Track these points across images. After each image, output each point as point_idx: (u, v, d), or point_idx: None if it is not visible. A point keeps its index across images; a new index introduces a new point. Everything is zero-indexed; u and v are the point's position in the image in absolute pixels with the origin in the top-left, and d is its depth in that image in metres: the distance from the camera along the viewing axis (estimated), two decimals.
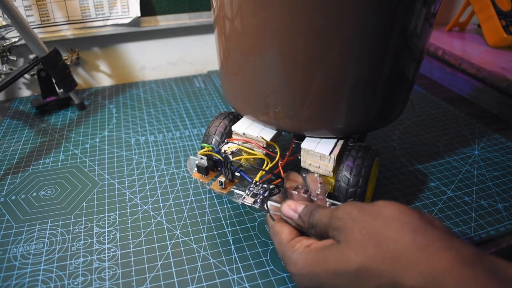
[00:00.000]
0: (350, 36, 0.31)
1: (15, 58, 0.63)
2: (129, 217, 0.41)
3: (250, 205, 0.35)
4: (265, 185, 0.36)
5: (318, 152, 0.37)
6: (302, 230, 0.32)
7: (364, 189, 0.36)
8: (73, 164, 0.50)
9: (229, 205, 0.43)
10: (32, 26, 0.58)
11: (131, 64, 0.73)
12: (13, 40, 0.61)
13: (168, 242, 0.38)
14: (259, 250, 0.37)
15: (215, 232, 0.39)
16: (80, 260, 0.36)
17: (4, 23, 0.56)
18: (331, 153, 0.37)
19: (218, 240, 0.38)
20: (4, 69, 0.62)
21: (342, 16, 0.30)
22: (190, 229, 0.39)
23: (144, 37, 0.71)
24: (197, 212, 0.42)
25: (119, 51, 0.71)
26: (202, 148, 0.39)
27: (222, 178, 0.37)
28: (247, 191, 0.36)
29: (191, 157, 0.40)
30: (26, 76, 0.67)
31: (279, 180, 0.36)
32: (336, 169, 0.38)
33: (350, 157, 0.37)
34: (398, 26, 0.32)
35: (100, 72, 0.72)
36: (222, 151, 0.39)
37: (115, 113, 0.62)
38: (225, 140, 0.41)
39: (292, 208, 0.32)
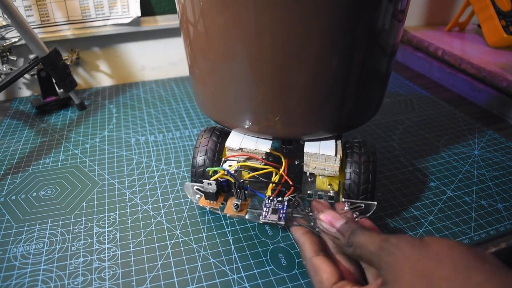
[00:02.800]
0: (322, 31, 0.30)
1: (15, 58, 0.63)
2: (129, 217, 0.41)
3: (275, 222, 0.34)
4: (279, 198, 0.36)
5: (323, 154, 0.37)
6: (337, 244, 0.30)
7: (374, 185, 0.36)
8: (73, 164, 0.50)
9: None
10: (32, 26, 0.58)
11: (131, 64, 0.73)
12: (13, 40, 0.61)
13: (168, 242, 0.38)
14: (259, 250, 0.37)
15: (215, 232, 0.39)
16: (80, 260, 0.36)
17: (4, 23, 0.56)
18: (336, 153, 0.37)
19: (218, 240, 0.38)
20: (4, 69, 0.62)
21: (311, 10, 0.29)
22: (190, 229, 0.39)
23: (144, 37, 0.71)
24: (197, 212, 0.42)
25: (119, 51, 0.71)
26: (210, 172, 0.37)
27: (236, 201, 0.36)
28: (265, 208, 0.35)
29: (187, 183, 0.39)
30: (26, 76, 0.67)
31: (292, 189, 0.36)
32: (341, 169, 0.37)
33: (354, 154, 0.37)
34: (368, 21, 0.31)
35: (100, 72, 0.72)
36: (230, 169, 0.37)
37: (115, 113, 0.62)
38: (223, 159, 0.39)
39: (333, 219, 0.31)
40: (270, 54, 0.31)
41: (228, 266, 0.36)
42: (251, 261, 0.36)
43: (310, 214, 0.35)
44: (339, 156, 0.37)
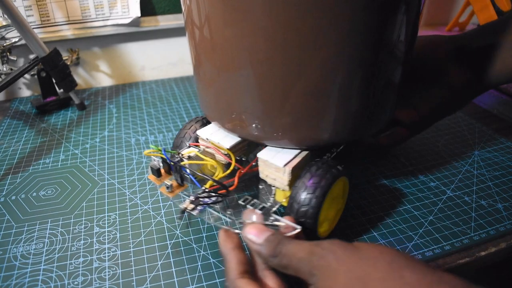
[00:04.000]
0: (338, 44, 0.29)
1: (15, 58, 0.63)
2: (129, 217, 0.41)
3: (189, 211, 0.34)
4: (213, 194, 0.35)
5: (273, 164, 0.35)
6: (262, 257, 0.29)
7: (317, 210, 0.33)
8: (73, 164, 0.50)
9: (229, 205, 0.43)
10: (32, 26, 0.58)
11: (131, 64, 0.73)
12: (13, 40, 0.61)
13: (168, 242, 0.38)
14: None
15: (215, 232, 0.39)
16: (80, 260, 0.36)
17: (4, 23, 0.56)
18: (286, 165, 0.34)
19: (218, 240, 0.38)
20: (4, 69, 0.62)
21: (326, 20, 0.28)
22: (190, 229, 0.39)
23: (144, 37, 0.71)
24: None
25: (119, 51, 0.71)
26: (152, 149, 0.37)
27: (169, 182, 0.36)
28: (191, 197, 0.35)
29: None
30: (26, 76, 0.67)
31: (224, 190, 0.34)
32: (292, 184, 0.35)
33: (307, 173, 0.34)
34: (383, 35, 0.31)
35: (100, 72, 0.72)
36: (181, 154, 0.38)
37: (115, 113, 0.62)
38: (188, 144, 0.40)
39: (257, 231, 0.30)
40: (280, 63, 0.30)
41: None
42: None
43: (232, 217, 0.35)
44: (288, 169, 0.34)
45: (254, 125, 0.35)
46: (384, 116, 0.37)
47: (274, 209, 0.35)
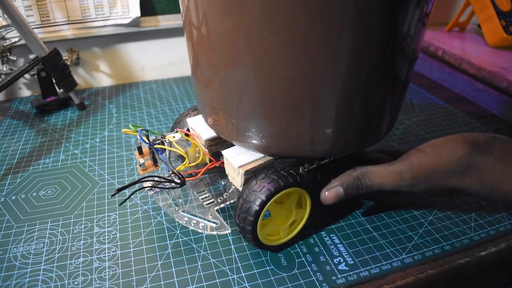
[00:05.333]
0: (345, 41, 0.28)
1: (15, 58, 0.63)
2: (129, 217, 0.41)
3: (144, 178, 0.36)
4: (177, 179, 0.36)
5: (231, 163, 0.35)
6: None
7: (254, 220, 0.33)
8: (73, 164, 0.50)
9: (229, 205, 0.43)
10: (32, 26, 0.58)
11: (131, 64, 0.73)
12: (13, 40, 0.61)
13: (168, 242, 0.38)
14: (259, 250, 0.37)
15: (215, 232, 0.39)
16: (80, 260, 0.36)
17: (4, 23, 0.56)
18: (241, 166, 0.34)
19: (218, 240, 0.38)
20: (4, 69, 0.62)
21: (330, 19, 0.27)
22: (190, 229, 0.39)
23: (144, 37, 0.71)
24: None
25: (119, 51, 0.71)
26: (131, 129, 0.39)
27: (142, 160, 0.38)
28: (156, 178, 0.36)
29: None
30: (26, 76, 0.67)
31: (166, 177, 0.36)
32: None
33: (262, 174, 0.34)
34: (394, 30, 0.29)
35: (100, 72, 0.72)
36: (163, 137, 0.39)
37: (115, 113, 0.62)
38: (175, 130, 0.41)
39: (332, 190, 0.35)
40: (280, 63, 0.29)
41: (228, 266, 0.36)
42: (251, 261, 0.36)
43: (183, 206, 0.38)
44: (242, 170, 0.34)
45: (228, 125, 0.35)
46: (361, 140, 0.35)
47: (222, 205, 0.37)
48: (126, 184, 0.34)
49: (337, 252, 0.37)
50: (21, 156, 0.51)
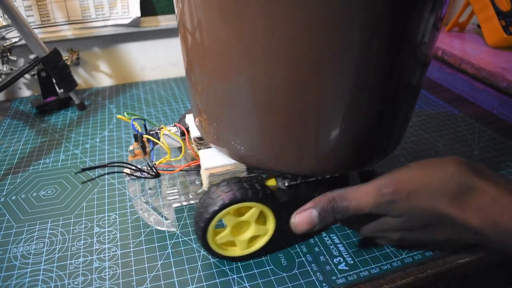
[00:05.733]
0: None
1: (15, 58, 0.63)
2: (129, 217, 0.41)
3: (128, 178, 0.37)
4: (153, 172, 0.37)
5: (202, 164, 0.35)
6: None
7: (204, 226, 0.32)
8: (73, 164, 0.50)
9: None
10: (32, 26, 0.58)
11: (131, 64, 0.73)
12: (14, 40, 0.61)
13: (168, 242, 0.38)
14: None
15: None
16: (80, 260, 0.36)
17: (4, 23, 0.56)
18: (207, 169, 0.34)
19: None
20: (5, 69, 0.62)
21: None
22: (190, 229, 0.39)
23: (144, 37, 0.71)
24: None
25: (119, 51, 0.71)
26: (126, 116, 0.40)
27: (132, 147, 0.40)
28: (138, 166, 0.37)
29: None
30: (26, 76, 0.67)
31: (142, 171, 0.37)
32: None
33: (224, 182, 0.32)
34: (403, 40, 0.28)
35: (100, 72, 0.72)
36: (160, 129, 0.40)
37: (115, 113, 0.62)
38: (173, 124, 0.41)
39: (304, 213, 0.31)
40: (280, 76, 0.28)
41: (228, 266, 0.36)
42: (251, 261, 0.36)
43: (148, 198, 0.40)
44: (207, 173, 0.34)
45: (211, 128, 0.34)
46: (346, 161, 0.33)
47: (184, 204, 0.38)
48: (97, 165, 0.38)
49: (337, 252, 0.37)
50: (21, 156, 0.51)
